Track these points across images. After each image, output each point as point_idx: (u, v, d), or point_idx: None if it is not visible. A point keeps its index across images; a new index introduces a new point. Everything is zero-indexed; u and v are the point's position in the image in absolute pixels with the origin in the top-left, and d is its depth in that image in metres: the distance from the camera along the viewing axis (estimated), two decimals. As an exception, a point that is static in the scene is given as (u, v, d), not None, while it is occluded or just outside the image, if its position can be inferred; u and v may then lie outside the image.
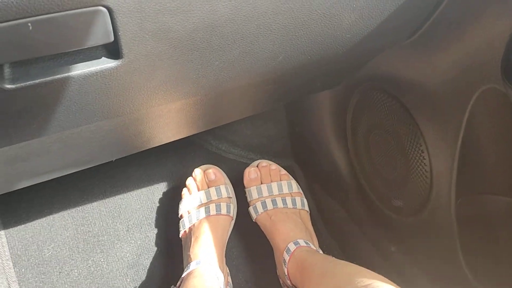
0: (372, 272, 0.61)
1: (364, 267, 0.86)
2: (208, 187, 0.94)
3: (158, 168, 1.07)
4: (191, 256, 0.82)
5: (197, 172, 0.96)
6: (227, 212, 0.90)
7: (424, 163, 0.70)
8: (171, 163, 1.08)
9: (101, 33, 0.39)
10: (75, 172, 0.76)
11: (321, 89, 0.84)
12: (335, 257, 0.93)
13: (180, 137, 0.80)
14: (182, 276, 0.78)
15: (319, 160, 1.03)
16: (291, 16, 0.47)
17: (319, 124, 0.97)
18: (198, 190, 0.94)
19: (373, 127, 0.80)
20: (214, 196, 0.92)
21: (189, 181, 0.96)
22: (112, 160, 0.79)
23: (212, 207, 0.90)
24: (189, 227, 0.90)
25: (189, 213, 0.92)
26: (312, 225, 1.00)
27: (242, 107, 0.77)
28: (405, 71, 0.68)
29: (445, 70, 0.61)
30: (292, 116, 1.07)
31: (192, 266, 0.78)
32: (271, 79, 0.61)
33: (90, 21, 0.38)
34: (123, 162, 1.04)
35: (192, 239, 0.86)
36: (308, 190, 1.09)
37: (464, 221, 0.67)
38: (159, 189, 1.04)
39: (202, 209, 0.90)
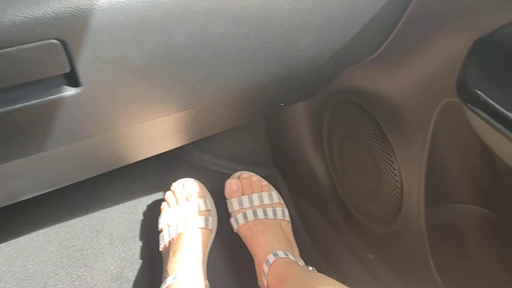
0: (339, 284, 0.62)
1: (345, 274, 0.88)
2: (187, 201, 0.95)
3: (140, 181, 1.08)
4: (168, 270, 0.83)
5: (175, 185, 0.97)
6: (205, 225, 0.91)
7: (395, 174, 0.71)
8: (153, 175, 1.09)
9: (56, 64, 0.40)
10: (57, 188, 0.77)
11: (294, 102, 0.86)
12: (317, 265, 0.95)
13: (158, 153, 0.82)
14: None
15: (299, 170, 1.04)
16: (248, 40, 0.49)
17: (297, 135, 0.99)
18: (177, 203, 0.95)
19: (346, 139, 0.81)
20: (192, 210, 0.93)
21: (168, 195, 0.97)
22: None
23: (190, 220, 0.91)
24: (168, 241, 0.91)
25: (168, 227, 0.93)
26: (295, 233, 1.01)
27: (217, 122, 0.78)
28: (372, 85, 0.69)
29: (407, 85, 0.63)
30: (271, 127, 1.08)
31: (169, 281, 0.79)
32: (238, 98, 0.63)
33: (45, 53, 0.39)
34: (106, 176, 1.05)
35: (170, 254, 0.87)
36: (291, 199, 1.10)
37: (433, 229, 0.69)
38: (142, 202, 1.05)
39: (181, 223, 0.91)
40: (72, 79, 0.44)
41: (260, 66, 0.54)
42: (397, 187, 0.71)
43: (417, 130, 0.65)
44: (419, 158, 0.66)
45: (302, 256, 0.93)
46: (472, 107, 0.48)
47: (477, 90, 0.48)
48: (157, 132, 0.71)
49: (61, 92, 0.44)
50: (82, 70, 0.42)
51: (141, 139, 0.68)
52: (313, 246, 1.02)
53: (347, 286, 0.62)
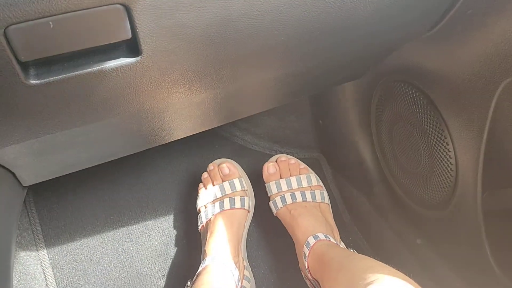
0: (386, 266, 0.60)
1: (390, 259, 0.86)
2: (222, 181, 0.95)
3: (184, 159, 1.09)
4: (206, 251, 0.83)
5: (211, 166, 0.97)
6: (241, 205, 0.91)
7: (449, 156, 0.69)
8: (196, 155, 1.09)
9: (119, 30, 0.40)
10: (103, 163, 0.79)
11: (343, 81, 0.84)
12: (360, 250, 0.94)
13: (203, 130, 0.82)
14: (197, 271, 0.79)
15: (344, 152, 1.02)
16: (305, 9, 0.47)
17: (343, 116, 0.97)
18: (213, 184, 0.95)
19: (397, 120, 0.79)
20: (228, 190, 0.93)
21: (204, 175, 0.97)
22: (139, 152, 0.81)
23: (226, 201, 0.91)
24: (206, 222, 0.92)
25: (205, 208, 0.93)
26: (338, 217, 0.99)
27: (264, 100, 0.77)
28: (429, 64, 0.67)
29: (469, 62, 0.60)
30: (316, 108, 1.07)
31: (207, 261, 0.79)
32: (290, 73, 0.62)
33: (108, 18, 0.39)
34: (149, 154, 1.07)
35: (208, 234, 0.87)
36: (335, 182, 1.08)
37: (490, 214, 0.66)
38: (185, 180, 1.06)
39: (217, 204, 0.91)
40: (133, 48, 0.44)
41: (316, 39, 0.53)
42: (451, 170, 0.69)
43: (476, 111, 0.62)
44: (477, 140, 0.63)
45: (345, 240, 0.92)
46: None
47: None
48: (205, 108, 0.71)
49: (121, 60, 0.44)
50: (143, 36, 0.42)
51: (190, 114, 0.68)
52: (357, 230, 1.01)
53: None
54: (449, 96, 0.66)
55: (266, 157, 1.01)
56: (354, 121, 0.95)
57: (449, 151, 0.68)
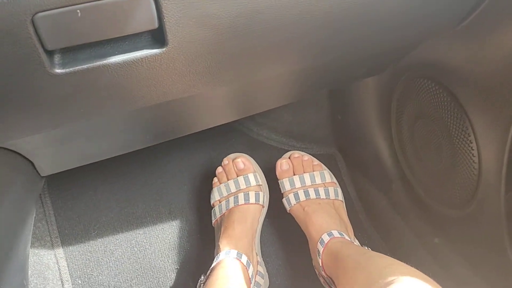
0: (404, 264, 0.59)
1: (407, 258, 0.85)
2: (237, 176, 0.94)
3: (198, 153, 1.08)
4: (220, 246, 0.82)
5: (226, 161, 0.96)
6: (255, 201, 0.90)
7: (473, 154, 0.68)
8: (212, 148, 1.09)
9: (146, 20, 0.40)
10: (118, 156, 0.78)
11: (365, 76, 0.83)
12: (376, 248, 0.93)
13: (222, 123, 0.81)
14: (212, 266, 0.79)
15: (362, 149, 1.01)
16: (332, 2, 0.46)
17: (362, 112, 0.96)
18: (228, 179, 0.94)
19: (418, 116, 0.78)
20: (242, 185, 0.92)
21: (219, 170, 0.96)
22: (153, 145, 0.80)
23: (241, 196, 0.90)
24: (220, 216, 0.91)
25: (219, 202, 0.93)
26: (353, 214, 0.98)
27: (282, 94, 0.76)
28: (455, 59, 0.65)
29: (497, 59, 0.58)
30: (334, 103, 1.06)
31: (221, 256, 0.79)
32: (313, 66, 0.61)
33: (135, 7, 0.38)
34: (164, 147, 1.07)
35: (222, 229, 0.87)
36: (350, 178, 1.07)
37: (513, 216, 0.65)
38: (199, 174, 1.06)
39: (231, 199, 0.91)
40: (159, 38, 0.43)
41: (342, 32, 0.52)
42: (474, 168, 0.68)
43: (503, 108, 0.61)
44: (502, 139, 0.62)
45: (359, 237, 0.91)
46: None
47: None
48: (223, 102, 0.70)
49: (147, 50, 0.43)
50: (169, 26, 0.41)
51: (211, 106, 0.67)
52: (373, 228, 1.00)
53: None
54: (475, 93, 0.64)
55: (282, 152, 1.00)
56: (373, 116, 0.94)
57: (473, 149, 0.67)
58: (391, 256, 0.66)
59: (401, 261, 0.63)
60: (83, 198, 1.00)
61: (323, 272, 0.80)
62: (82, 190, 1.01)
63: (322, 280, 0.86)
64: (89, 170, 0.99)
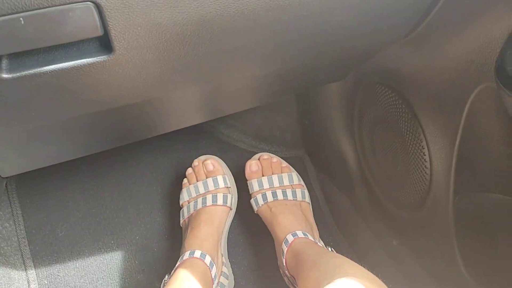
0: (356, 265, 0.61)
1: (368, 260, 0.87)
2: (206, 178, 0.95)
3: (169, 154, 1.09)
4: (186, 246, 0.84)
5: (196, 162, 0.97)
6: (223, 202, 0.92)
7: (425, 159, 0.70)
8: (182, 150, 1.10)
9: (90, 27, 0.41)
10: (88, 156, 0.79)
11: (325, 82, 0.85)
12: (340, 249, 0.95)
13: (187, 125, 0.82)
14: (176, 265, 0.80)
15: (328, 152, 1.03)
16: (281, 12, 0.48)
17: (328, 117, 0.98)
18: (197, 180, 0.96)
19: (377, 122, 0.80)
20: (211, 187, 0.94)
21: (189, 171, 0.98)
22: (124, 145, 0.81)
23: (209, 197, 0.92)
24: (188, 217, 0.92)
25: (188, 203, 0.94)
26: (320, 216, 1.00)
27: (246, 98, 0.78)
28: (407, 68, 0.68)
29: (444, 67, 0.61)
30: (302, 107, 1.08)
31: (185, 256, 0.80)
32: (270, 73, 0.62)
33: (79, 15, 0.40)
34: (135, 148, 1.08)
35: (189, 229, 0.88)
36: (318, 181, 1.09)
37: (461, 218, 0.67)
38: (169, 175, 1.07)
39: (200, 200, 0.92)
40: (106, 44, 0.44)
41: (293, 41, 0.54)
42: (426, 173, 0.70)
43: (450, 116, 0.63)
44: (450, 145, 0.64)
45: (325, 239, 0.93)
46: (509, 90, 0.46)
47: (516, 74, 0.46)
48: (187, 104, 0.71)
49: (94, 56, 0.44)
50: (115, 34, 0.43)
51: (170, 110, 0.69)
52: (338, 229, 1.02)
53: (369, 270, 0.61)
54: (426, 100, 0.67)
55: (251, 155, 1.01)
56: (338, 121, 0.96)
57: (424, 155, 0.69)
58: (352, 257, 0.68)
59: (362, 262, 0.64)
60: (52, 198, 1.00)
61: (286, 272, 0.81)
62: (51, 190, 1.01)
63: (286, 280, 0.88)
64: (58, 170, 1.00)
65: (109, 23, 0.41)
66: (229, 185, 0.96)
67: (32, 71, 0.43)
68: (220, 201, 0.92)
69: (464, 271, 0.68)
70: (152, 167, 1.07)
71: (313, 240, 0.83)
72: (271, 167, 0.98)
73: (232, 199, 0.95)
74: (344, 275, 0.57)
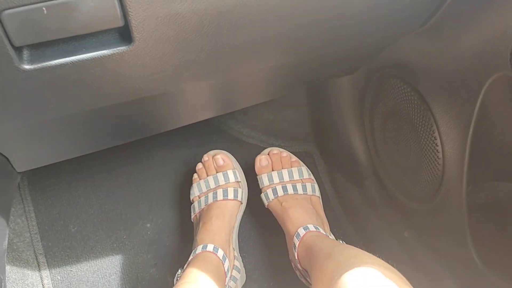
0: (371, 255, 0.62)
1: (380, 252, 0.87)
2: (216, 172, 0.96)
3: (180, 150, 1.10)
4: (198, 240, 0.84)
5: (206, 157, 0.98)
6: (234, 197, 0.92)
7: (437, 150, 0.70)
8: (193, 146, 1.10)
9: (111, 18, 0.41)
10: (100, 152, 0.80)
11: (337, 76, 0.85)
12: (351, 242, 0.94)
13: (200, 119, 0.83)
14: (189, 259, 0.80)
15: (338, 146, 1.03)
16: (297, 3, 0.48)
17: (338, 111, 0.98)
18: (207, 175, 0.96)
19: (389, 115, 0.80)
20: (221, 181, 0.94)
21: (199, 166, 0.98)
22: (135, 141, 0.82)
23: (220, 192, 0.92)
24: (199, 212, 0.93)
25: (199, 198, 0.94)
26: (330, 210, 1.01)
27: (259, 91, 0.78)
28: (420, 59, 0.68)
29: (459, 57, 0.61)
30: (312, 102, 1.08)
31: (198, 250, 0.80)
32: (285, 65, 0.63)
33: (100, 6, 0.40)
34: (147, 143, 1.08)
35: (200, 224, 0.89)
36: (328, 175, 1.10)
37: (474, 208, 0.67)
38: (181, 171, 1.07)
39: (210, 195, 0.93)
40: (126, 35, 0.45)
41: (310, 32, 0.54)
42: (439, 164, 0.70)
43: (464, 106, 0.63)
44: (464, 134, 0.65)
45: (335, 232, 0.93)
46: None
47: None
48: (200, 98, 0.72)
49: (114, 47, 0.45)
50: (135, 25, 0.43)
51: (184, 103, 0.69)
52: (349, 223, 1.02)
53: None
54: (439, 91, 0.67)
55: (261, 150, 1.02)
56: (348, 115, 0.96)
57: (437, 145, 0.70)
58: (364, 250, 0.68)
59: (374, 253, 0.65)
60: (64, 194, 1.01)
61: (298, 265, 0.82)
62: (63, 186, 1.02)
63: (298, 273, 0.88)
64: (70, 166, 1.01)
65: (130, 13, 0.42)
66: (239, 180, 0.97)
67: (53, 62, 0.43)
68: (231, 195, 0.92)
69: (478, 261, 0.68)
70: (163, 162, 1.08)
71: (324, 233, 0.83)
72: (281, 162, 0.98)
73: (243, 193, 0.96)
74: (361, 264, 0.57)
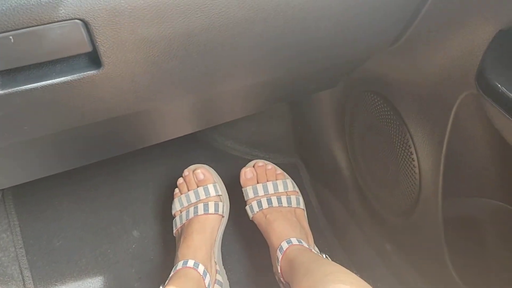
0: (349, 272, 0.62)
1: (362, 265, 0.88)
2: (197, 187, 0.96)
3: (163, 164, 1.10)
4: (179, 256, 0.85)
5: (186, 172, 0.98)
6: (215, 211, 0.93)
7: (413, 165, 0.71)
8: (177, 159, 1.11)
9: (79, 44, 0.42)
10: (85, 167, 0.80)
11: (317, 90, 0.86)
12: (335, 255, 0.95)
13: (182, 134, 0.83)
14: (170, 275, 0.81)
15: (321, 159, 1.04)
16: (266, 25, 0.49)
17: (320, 124, 0.99)
18: (188, 190, 0.97)
19: (367, 129, 0.81)
20: (202, 196, 0.95)
21: (180, 181, 0.99)
22: (119, 156, 0.82)
23: (200, 206, 0.93)
24: (180, 226, 0.93)
25: (180, 212, 0.95)
26: (315, 222, 1.01)
27: (238, 107, 0.79)
28: (395, 75, 0.69)
29: (430, 74, 0.62)
30: (296, 115, 1.09)
31: (178, 266, 0.81)
32: (258, 83, 0.63)
33: (68, 32, 0.41)
34: (129, 158, 1.09)
35: (181, 239, 0.89)
36: (312, 187, 1.10)
37: (450, 223, 0.68)
38: (164, 184, 1.08)
39: (191, 209, 0.93)
40: (95, 59, 0.46)
41: (278, 52, 0.55)
42: (416, 179, 0.71)
43: (437, 122, 0.64)
44: (438, 150, 0.65)
45: (320, 245, 0.94)
46: (489, 98, 0.48)
47: (495, 81, 0.47)
48: (178, 115, 0.72)
49: (83, 71, 0.46)
50: (103, 50, 0.44)
51: (163, 121, 0.70)
52: (333, 235, 1.03)
53: (364, 275, 0.62)
54: (413, 107, 0.68)
55: (246, 162, 1.02)
56: (330, 128, 0.97)
57: (413, 160, 0.71)
58: (347, 263, 0.69)
59: (357, 267, 0.66)
60: (48, 209, 1.02)
61: (281, 278, 0.82)
62: (48, 200, 1.02)
63: (282, 286, 0.88)
64: (54, 180, 1.01)
65: (97, 39, 0.42)
66: (220, 193, 0.97)
67: (23, 87, 0.44)
68: (211, 209, 0.93)
69: (454, 274, 0.69)
70: (146, 177, 1.08)
71: (307, 246, 0.84)
72: (266, 174, 0.98)
73: (224, 207, 0.96)
74: (335, 282, 0.58)
